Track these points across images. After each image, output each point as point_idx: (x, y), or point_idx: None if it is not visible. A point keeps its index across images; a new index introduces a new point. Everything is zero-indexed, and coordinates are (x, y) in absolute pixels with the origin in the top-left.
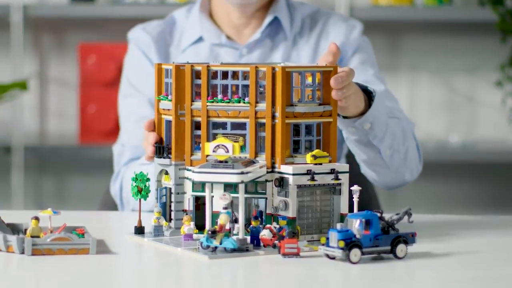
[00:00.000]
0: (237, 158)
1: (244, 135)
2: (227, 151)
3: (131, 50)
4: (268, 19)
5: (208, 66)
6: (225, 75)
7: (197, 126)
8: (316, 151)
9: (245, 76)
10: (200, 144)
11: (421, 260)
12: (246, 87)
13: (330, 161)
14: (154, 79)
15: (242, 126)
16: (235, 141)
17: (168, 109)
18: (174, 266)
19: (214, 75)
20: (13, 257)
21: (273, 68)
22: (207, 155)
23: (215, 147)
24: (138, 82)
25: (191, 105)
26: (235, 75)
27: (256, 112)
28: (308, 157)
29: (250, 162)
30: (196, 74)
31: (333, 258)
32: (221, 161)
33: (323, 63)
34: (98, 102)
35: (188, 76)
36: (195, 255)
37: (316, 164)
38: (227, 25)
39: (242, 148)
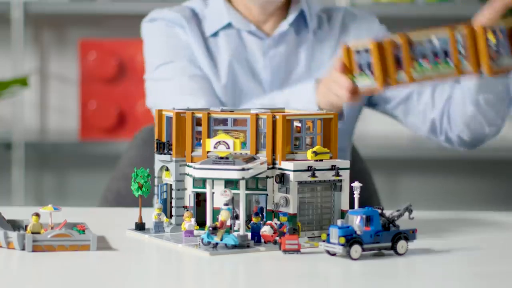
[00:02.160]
0: (238, 155)
1: (245, 132)
2: (228, 148)
3: (160, 29)
4: (295, 12)
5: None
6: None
7: (197, 122)
8: (317, 148)
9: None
10: (201, 141)
11: (421, 256)
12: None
13: (330, 158)
14: (191, 50)
15: (243, 122)
16: (235, 138)
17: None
18: (175, 262)
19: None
20: (14, 254)
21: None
22: (208, 152)
23: (216, 144)
24: (177, 50)
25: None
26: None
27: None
28: (309, 154)
29: (251, 159)
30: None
31: (333, 254)
32: (222, 158)
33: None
34: (98, 98)
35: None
36: (196, 252)
37: (316, 160)
38: (250, 17)
39: (243, 144)
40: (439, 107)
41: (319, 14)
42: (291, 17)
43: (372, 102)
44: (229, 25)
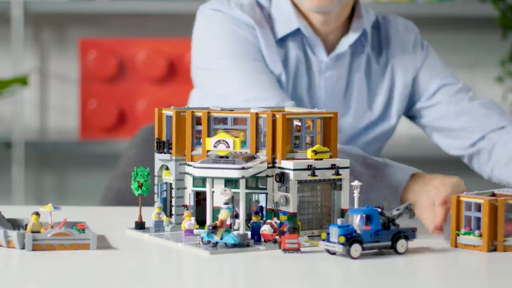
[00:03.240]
0: (238, 154)
1: (244, 131)
2: (228, 146)
3: (225, 23)
4: (357, 30)
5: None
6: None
7: (197, 121)
8: (316, 147)
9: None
10: (201, 139)
11: (421, 255)
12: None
13: (330, 157)
14: (260, 52)
15: (243, 121)
16: (235, 137)
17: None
18: (175, 261)
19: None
20: (14, 253)
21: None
22: (208, 150)
23: (215, 142)
24: (244, 47)
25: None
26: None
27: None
28: (309, 152)
29: (251, 158)
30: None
31: (333, 253)
32: (221, 157)
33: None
34: (98, 97)
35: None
36: (196, 251)
37: (316, 159)
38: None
39: (243, 143)
40: (468, 151)
41: (372, 32)
42: (353, 36)
43: (410, 114)
44: (297, 31)
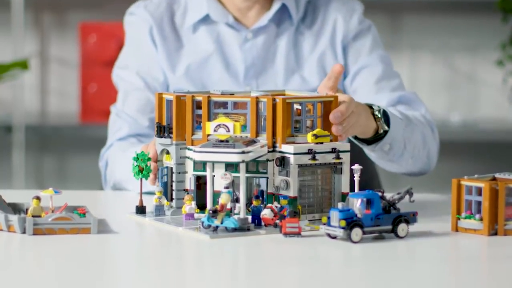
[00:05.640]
0: (238, 138)
1: (245, 115)
2: (228, 131)
3: (131, 27)
4: (276, 6)
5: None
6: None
7: (198, 105)
8: (317, 130)
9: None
10: (201, 124)
11: (422, 239)
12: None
13: (331, 140)
14: (151, 59)
15: (243, 105)
16: (236, 121)
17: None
18: (175, 245)
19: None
20: (15, 237)
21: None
22: (208, 135)
23: (216, 127)
24: (136, 60)
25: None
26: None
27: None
28: (309, 136)
29: (251, 142)
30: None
31: (334, 237)
32: (222, 141)
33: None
34: (99, 81)
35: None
36: (196, 235)
37: (317, 143)
38: (232, 7)
39: (243, 127)
40: None
41: (306, 4)
42: (272, 10)
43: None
44: (207, 17)
